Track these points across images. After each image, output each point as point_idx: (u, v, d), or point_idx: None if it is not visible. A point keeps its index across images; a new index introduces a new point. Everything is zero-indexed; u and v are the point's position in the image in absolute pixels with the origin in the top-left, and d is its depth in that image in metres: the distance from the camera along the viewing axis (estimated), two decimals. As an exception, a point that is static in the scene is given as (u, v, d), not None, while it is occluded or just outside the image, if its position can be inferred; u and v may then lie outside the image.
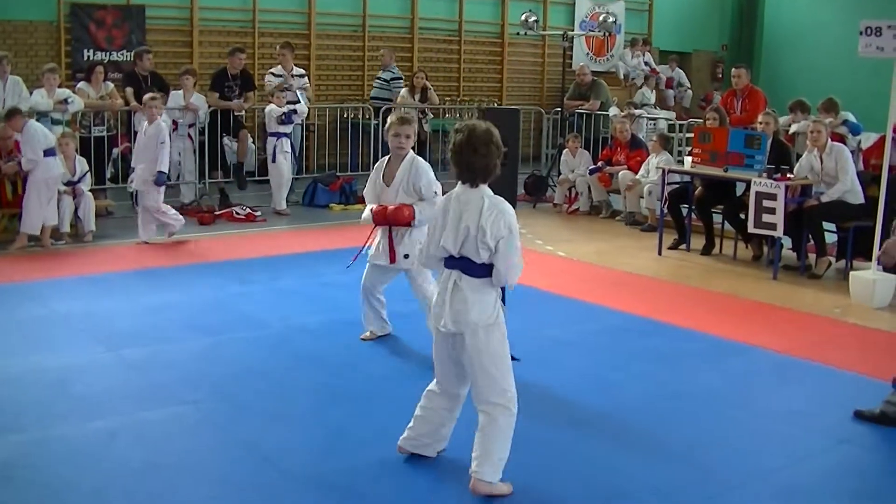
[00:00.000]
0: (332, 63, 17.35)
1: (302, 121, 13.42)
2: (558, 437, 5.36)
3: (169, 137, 10.78)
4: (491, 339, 4.58)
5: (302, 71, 13.80)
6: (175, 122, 12.51)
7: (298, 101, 12.99)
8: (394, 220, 6.61)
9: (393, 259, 6.74)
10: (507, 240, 4.47)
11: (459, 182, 4.62)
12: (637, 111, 14.90)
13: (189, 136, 12.73)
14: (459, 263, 4.59)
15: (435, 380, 4.88)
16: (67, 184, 10.33)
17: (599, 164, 13.08)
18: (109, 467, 4.80)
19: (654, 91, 19.30)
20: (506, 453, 4.57)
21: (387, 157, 6.80)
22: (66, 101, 11.36)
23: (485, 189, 4.56)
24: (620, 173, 12.63)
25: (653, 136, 13.62)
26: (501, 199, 4.57)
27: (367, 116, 14.80)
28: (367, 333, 7.08)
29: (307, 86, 13.56)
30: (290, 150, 12.76)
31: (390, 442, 4.97)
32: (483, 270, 4.55)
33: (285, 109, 12.58)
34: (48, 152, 9.93)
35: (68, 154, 10.44)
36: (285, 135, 12.66)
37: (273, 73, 13.37)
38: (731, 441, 5.38)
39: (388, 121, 6.76)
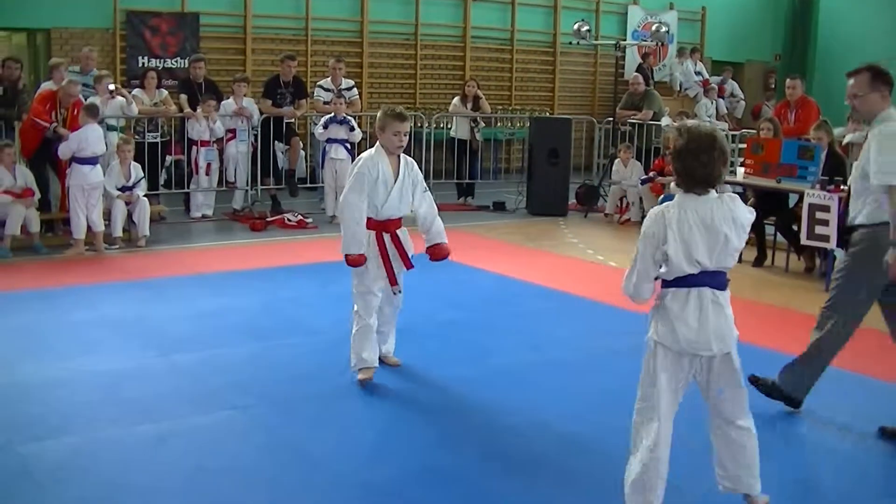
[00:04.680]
0: (384, 71, 17.43)
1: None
2: (618, 442, 5.29)
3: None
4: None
5: (351, 83, 13.82)
6: (233, 130, 12.61)
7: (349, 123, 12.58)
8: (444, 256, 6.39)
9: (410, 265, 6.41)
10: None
11: (680, 190, 4.37)
12: (690, 122, 14.75)
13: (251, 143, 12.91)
14: (711, 278, 4.14)
15: (664, 426, 4.31)
16: (122, 189, 10.45)
17: (651, 174, 13.00)
18: (159, 470, 4.82)
19: (714, 102, 19.08)
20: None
21: (375, 156, 6.10)
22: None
23: (712, 193, 4.24)
24: (672, 184, 12.50)
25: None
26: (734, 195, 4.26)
27: (420, 124, 14.77)
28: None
29: (356, 98, 13.54)
30: (344, 156, 12.32)
31: (440, 447, 4.94)
32: (726, 280, 4.22)
33: (337, 117, 12.45)
34: (86, 160, 9.99)
35: (125, 159, 10.56)
36: (338, 141, 12.46)
37: (322, 87, 13.50)
38: (790, 455, 5.30)
39: (381, 117, 6.10)
